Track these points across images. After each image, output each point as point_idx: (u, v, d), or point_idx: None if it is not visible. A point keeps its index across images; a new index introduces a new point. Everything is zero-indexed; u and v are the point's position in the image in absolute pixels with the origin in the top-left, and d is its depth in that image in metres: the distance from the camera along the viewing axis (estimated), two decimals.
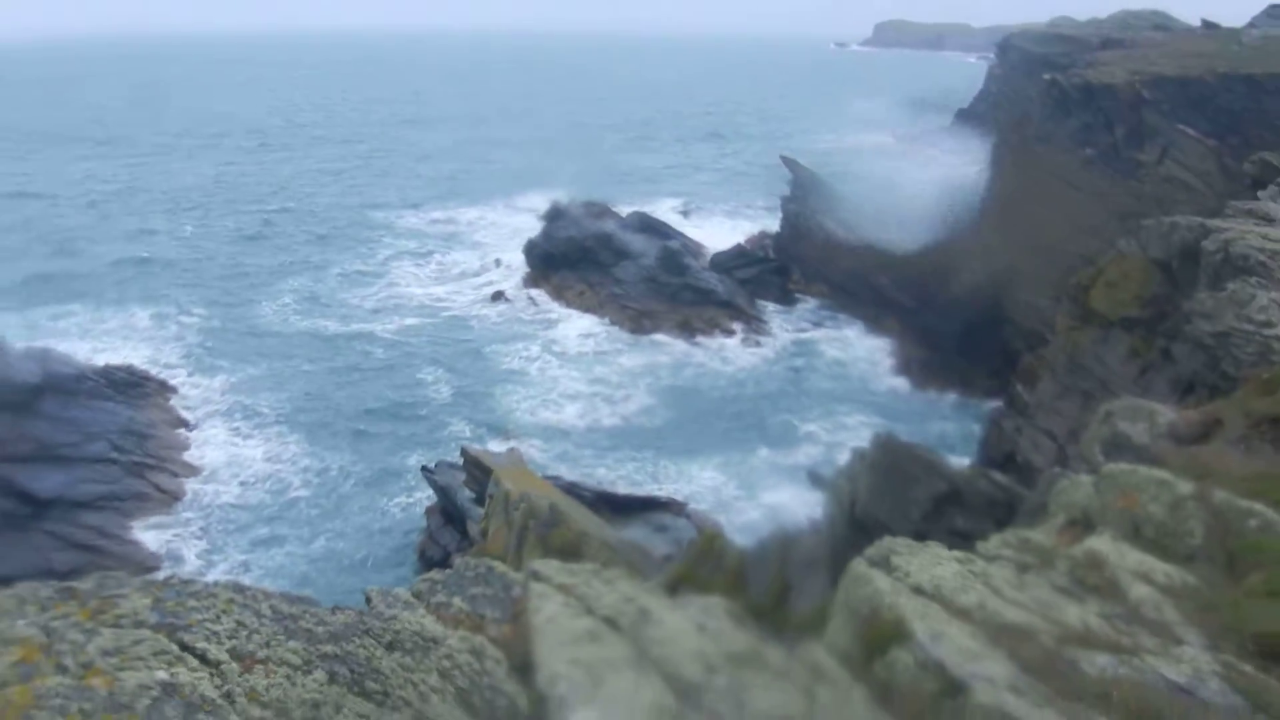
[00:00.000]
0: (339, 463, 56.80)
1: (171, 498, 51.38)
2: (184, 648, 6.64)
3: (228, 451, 56.85)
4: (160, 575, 33.56)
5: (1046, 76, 76.31)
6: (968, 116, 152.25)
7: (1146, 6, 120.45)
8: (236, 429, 59.82)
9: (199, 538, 49.01)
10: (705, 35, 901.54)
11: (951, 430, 60.68)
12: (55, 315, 78.60)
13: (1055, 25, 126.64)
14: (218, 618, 7.02)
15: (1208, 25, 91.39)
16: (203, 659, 6.61)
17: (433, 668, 7.67)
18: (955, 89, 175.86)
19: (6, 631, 6.31)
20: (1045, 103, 73.22)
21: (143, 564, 46.02)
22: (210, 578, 44.64)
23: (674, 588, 17.52)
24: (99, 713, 5.84)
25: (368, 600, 8.78)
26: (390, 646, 7.72)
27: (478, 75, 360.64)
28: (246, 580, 44.13)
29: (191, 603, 7.12)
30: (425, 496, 50.71)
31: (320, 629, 7.46)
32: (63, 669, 6.17)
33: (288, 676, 6.71)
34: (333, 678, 6.95)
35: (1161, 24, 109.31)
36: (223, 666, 6.58)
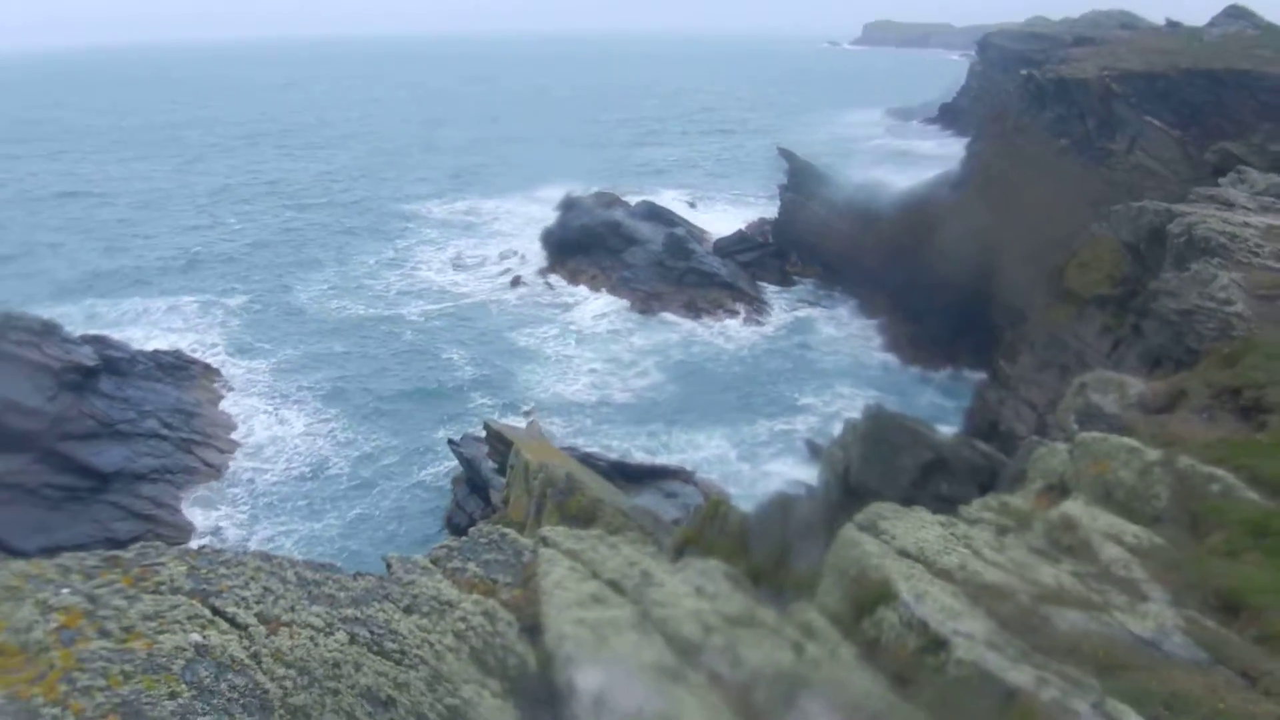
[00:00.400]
0: (371, 437, 56.87)
1: (217, 471, 51.52)
2: (215, 612, 6.65)
3: (268, 428, 56.93)
4: (203, 543, 33.74)
5: (1023, 72, 76.42)
6: (951, 110, 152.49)
7: (1115, 7, 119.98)
8: (276, 407, 59.89)
9: (242, 509, 49.10)
10: (706, 35, 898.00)
11: (939, 402, 60.60)
12: (112, 306, 78.75)
13: (1031, 24, 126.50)
14: (246, 584, 7.02)
15: (1171, 24, 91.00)
16: (232, 622, 6.61)
17: (448, 629, 7.67)
18: (940, 88, 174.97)
19: (50, 599, 6.31)
20: (1022, 96, 73.28)
21: (193, 532, 46.25)
22: (252, 545, 44.93)
23: (682, 549, 17.58)
24: (139, 674, 5.84)
25: (388, 566, 8.77)
26: (408, 610, 7.72)
27: (495, 76, 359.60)
28: (288, 548, 44.44)
29: (223, 570, 7.13)
30: (452, 467, 50.74)
31: (342, 594, 7.46)
32: (105, 633, 6.17)
33: (310, 638, 6.71)
34: (353, 639, 6.95)
35: (1129, 23, 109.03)
36: (250, 629, 6.59)
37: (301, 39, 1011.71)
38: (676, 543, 20.00)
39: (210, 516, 48.02)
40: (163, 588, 6.74)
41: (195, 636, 6.26)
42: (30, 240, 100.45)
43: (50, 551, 33.45)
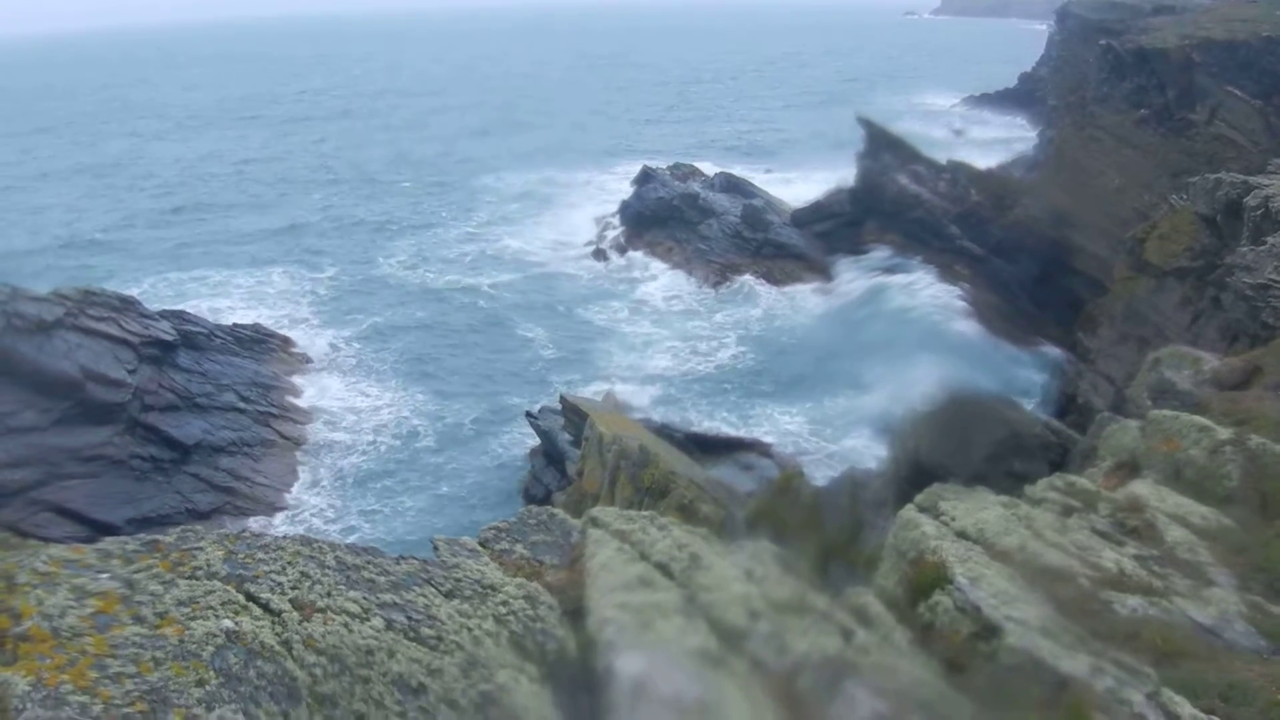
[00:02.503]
0: (450, 409, 57.16)
1: (294, 444, 52.06)
2: (249, 598, 6.65)
3: (346, 400, 57.36)
4: (287, 514, 34.21)
5: (1103, 42, 74.90)
6: (1030, 79, 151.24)
7: None
8: (354, 378, 60.36)
9: (318, 481, 49.57)
10: (785, 2, 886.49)
11: (1020, 374, 59.74)
12: (198, 278, 79.87)
13: None
14: (283, 569, 7.00)
15: None
16: (266, 608, 6.60)
17: (489, 613, 7.60)
18: (1020, 63, 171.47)
19: (88, 584, 6.33)
20: (1102, 66, 71.98)
21: (271, 505, 46.88)
22: (330, 518, 45.45)
23: (754, 522, 17.50)
24: (169, 660, 5.85)
25: (435, 549, 8.73)
26: (450, 594, 7.65)
27: (569, 48, 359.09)
28: (366, 522, 44.86)
29: (260, 555, 7.11)
30: (531, 439, 50.84)
31: (382, 578, 7.42)
32: (140, 619, 6.19)
33: (345, 624, 6.68)
34: (389, 625, 6.91)
35: None
36: (284, 615, 6.57)
37: (359, 16, 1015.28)
38: (749, 514, 19.92)
39: (284, 488, 48.62)
40: (199, 573, 6.75)
41: (227, 623, 6.26)
42: (122, 217, 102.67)
43: (139, 523, 33.96)
